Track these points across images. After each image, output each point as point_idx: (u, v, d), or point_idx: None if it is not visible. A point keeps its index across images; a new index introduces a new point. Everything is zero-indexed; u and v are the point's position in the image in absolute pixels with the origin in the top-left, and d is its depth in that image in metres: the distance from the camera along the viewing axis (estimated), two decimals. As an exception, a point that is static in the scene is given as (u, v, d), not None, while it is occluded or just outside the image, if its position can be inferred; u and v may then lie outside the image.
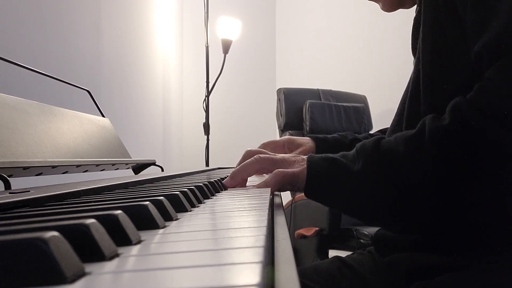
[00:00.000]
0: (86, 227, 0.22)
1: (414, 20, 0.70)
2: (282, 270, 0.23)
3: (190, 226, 0.33)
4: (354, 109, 2.53)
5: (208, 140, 2.69)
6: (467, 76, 0.56)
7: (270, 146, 0.92)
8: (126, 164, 1.01)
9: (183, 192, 0.43)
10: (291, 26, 3.48)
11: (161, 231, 0.31)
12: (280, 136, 2.51)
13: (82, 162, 0.77)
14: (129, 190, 0.57)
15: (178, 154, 3.12)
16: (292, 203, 2.03)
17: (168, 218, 0.35)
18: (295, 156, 0.64)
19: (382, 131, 0.97)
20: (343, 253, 0.89)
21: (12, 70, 0.94)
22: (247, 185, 0.68)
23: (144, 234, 0.29)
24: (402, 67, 2.45)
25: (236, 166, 0.68)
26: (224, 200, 0.50)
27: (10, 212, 0.36)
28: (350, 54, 3.11)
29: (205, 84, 2.71)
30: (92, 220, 0.23)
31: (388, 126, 0.97)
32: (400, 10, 0.79)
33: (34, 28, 1.18)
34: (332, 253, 1.90)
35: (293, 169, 0.60)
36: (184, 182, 0.66)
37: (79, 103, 1.17)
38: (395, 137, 0.57)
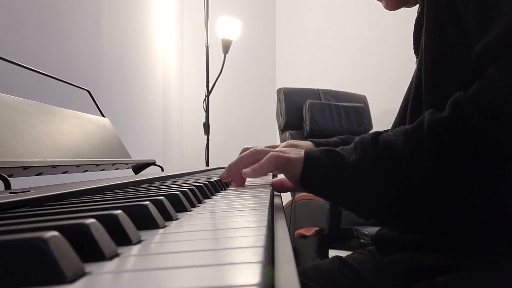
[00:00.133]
0: (86, 227, 0.22)
1: (416, 20, 0.70)
2: (282, 270, 0.23)
3: (190, 226, 0.33)
4: (354, 109, 2.53)
5: (208, 140, 2.69)
6: (468, 76, 0.56)
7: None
8: (126, 164, 1.01)
9: (183, 192, 0.43)
10: (291, 26, 3.48)
11: (161, 231, 0.31)
12: (280, 136, 2.51)
13: (82, 162, 0.77)
14: (129, 190, 0.57)
15: (178, 154, 3.12)
16: (292, 203, 2.03)
17: (168, 218, 0.35)
18: (291, 148, 0.64)
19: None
20: (343, 253, 0.89)
21: (12, 70, 0.94)
22: (246, 184, 0.68)
23: (144, 234, 0.29)
24: (402, 67, 2.45)
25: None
26: (224, 200, 0.50)
27: (10, 212, 0.36)
28: (350, 54, 3.11)
29: (205, 84, 2.71)
30: (92, 220, 0.23)
31: (388, 125, 0.97)
32: (401, 10, 0.79)
33: (34, 28, 1.18)
34: (332, 253, 1.90)
35: (289, 154, 0.61)
36: (184, 182, 0.66)
37: (79, 103, 1.17)
38: (394, 131, 0.57)
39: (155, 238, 0.28)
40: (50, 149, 0.71)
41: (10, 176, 0.55)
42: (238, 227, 0.31)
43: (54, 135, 0.76)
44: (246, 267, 0.19)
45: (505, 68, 0.51)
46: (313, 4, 3.35)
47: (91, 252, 0.22)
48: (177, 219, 0.36)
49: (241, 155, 0.66)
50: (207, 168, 1.40)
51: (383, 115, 2.77)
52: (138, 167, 1.14)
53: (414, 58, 0.75)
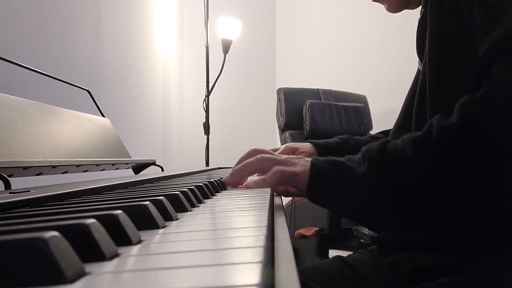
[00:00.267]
0: (86, 227, 0.22)
1: (419, 22, 0.69)
2: (282, 270, 0.23)
3: (190, 226, 0.33)
4: (354, 109, 2.53)
5: (208, 140, 2.69)
6: (473, 77, 0.56)
7: None
8: (126, 164, 1.01)
9: (183, 192, 0.43)
10: (291, 26, 3.48)
11: (161, 231, 0.31)
12: (280, 136, 2.51)
13: (82, 162, 0.77)
14: (129, 190, 0.57)
15: (178, 154, 3.12)
16: (292, 203, 2.03)
17: (168, 218, 0.35)
18: (298, 157, 0.62)
19: (384, 133, 0.97)
20: (343, 253, 0.89)
21: (12, 70, 0.94)
22: (246, 184, 0.68)
23: (144, 234, 0.29)
24: (402, 67, 2.45)
25: (237, 162, 0.67)
26: (224, 200, 0.50)
27: (10, 212, 0.36)
28: (350, 54, 3.11)
29: (205, 84, 2.72)
30: (92, 220, 0.23)
31: (388, 125, 0.97)
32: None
33: (34, 28, 1.18)
34: (332, 253, 1.90)
35: (294, 168, 0.59)
36: (184, 182, 0.66)
37: (79, 103, 1.17)
38: (402, 139, 0.56)
39: (155, 238, 0.28)
40: (50, 149, 0.71)
41: (10, 176, 0.55)
42: (238, 227, 0.31)
43: (54, 135, 0.76)
44: (246, 267, 0.19)
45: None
46: (313, 4, 3.35)
47: (91, 252, 0.22)
48: (177, 219, 0.36)
49: (246, 161, 0.64)
50: (207, 168, 1.40)
51: (383, 115, 2.77)
52: (138, 167, 1.14)
53: (415, 58, 0.75)
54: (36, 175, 0.67)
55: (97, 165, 0.84)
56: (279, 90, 2.53)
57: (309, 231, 1.88)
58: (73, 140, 0.82)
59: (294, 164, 0.61)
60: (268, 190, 0.57)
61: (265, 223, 0.30)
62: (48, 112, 0.80)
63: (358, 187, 0.55)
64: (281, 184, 0.60)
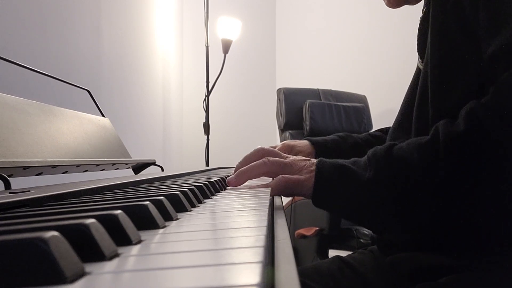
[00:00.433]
0: (86, 227, 0.22)
1: (420, 21, 0.69)
2: (282, 270, 0.23)
3: (190, 226, 0.33)
4: (354, 109, 2.53)
5: (208, 140, 2.69)
6: (476, 79, 0.55)
7: None
8: (126, 164, 1.01)
9: (183, 192, 0.43)
10: (291, 26, 3.48)
11: (161, 231, 0.31)
12: (280, 136, 2.51)
13: (82, 162, 0.77)
14: (129, 190, 0.57)
15: (178, 154, 3.12)
16: (292, 203, 2.03)
17: (168, 218, 0.35)
18: (305, 159, 0.62)
19: (382, 130, 0.97)
20: (343, 253, 0.89)
21: (12, 70, 0.94)
22: (246, 184, 0.68)
23: (144, 234, 0.29)
24: (402, 67, 2.45)
25: (242, 160, 0.67)
26: (224, 200, 0.50)
27: (10, 212, 0.36)
28: (350, 54, 3.11)
29: (205, 84, 2.72)
30: (92, 220, 0.23)
31: (388, 125, 0.97)
32: (402, 10, 0.78)
33: (34, 28, 1.18)
34: (332, 253, 1.90)
35: (299, 176, 0.58)
36: (184, 182, 0.66)
37: (79, 103, 1.17)
38: (408, 144, 0.55)
39: (155, 238, 0.28)
40: (50, 149, 0.71)
41: (10, 176, 0.55)
42: (238, 227, 0.31)
43: (54, 135, 0.76)
44: (246, 267, 0.19)
45: None
46: (313, 4, 3.35)
47: (91, 252, 0.22)
48: (177, 219, 0.36)
49: (252, 164, 0.63)
50: (207, 168, 1.40)
51: (383, 115, 2.77)
52: (138, 167, 1.14)
53: (415, 58, 0.75)
54: (36, 175, 0.67)
55: (97, 165, 0.84)
56: (279, 90, 2.53)
57: (309, 231, 1.88)
58: (73, 140, 0.82)
59: (299, 170, 0.60)
60: (268, 190, 0.57)
61: (265, 223, 0.30)
62: (48, 112, 0.80)
63: (363, 192, 0.55)
64: (285, 192, 0.59)
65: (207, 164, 2.67)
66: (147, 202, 0.33)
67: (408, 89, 0.74)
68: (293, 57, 3.46)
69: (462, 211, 0.53)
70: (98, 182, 0.61)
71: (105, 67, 1.67)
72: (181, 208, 0.40)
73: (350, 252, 0.86)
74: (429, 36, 0.62)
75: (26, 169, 0.60)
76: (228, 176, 0.66)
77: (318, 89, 2.59)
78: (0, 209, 0.36)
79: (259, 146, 0.72)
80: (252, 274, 0.18)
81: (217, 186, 0.61)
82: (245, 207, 0.41)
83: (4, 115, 0.65)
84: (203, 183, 0.54)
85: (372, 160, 0.56)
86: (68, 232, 0.22)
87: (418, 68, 0.73)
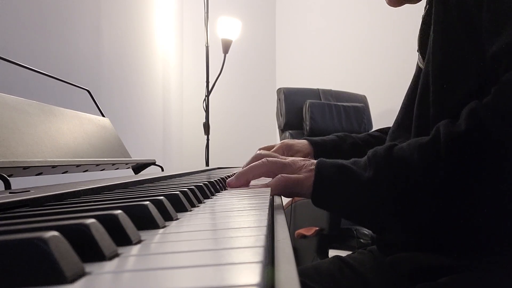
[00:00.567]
0: (86, 227, 0.22)
1: (423, 19, 0.69)
2: (282, 270, 0.23)
3: (190, 226, 0.33)
4: (354, 109, 2.53)
5: (208, 140, 2.69)
6: (479, 79, 0.55)
7: (268, 150, 0.91)
8: (126, 164, 1.01)
9: (183, 192, 0.43)
10: (291, 26, 3.48)
11: (161, 231, 0.31)
12: (280, 136, 2.51)
13: (82, 162, 0.77)
14: (129, 190, 0.57)
15: (178, 154, 3.12)
16: (292, 203, 2.03)
17: (168, 218, 0.35)
18: (304, 160, 0.62)
19: (381, 131, 0.97)
20: (343, 253, 0.89)
21: (12, 70, 0.94)
22: (250, 185, 0.68)
23: (144, 234, 0.29)
24: (402, 66, 2.45)
25: (243, 167, 0.67)
26: (224, 200, 0.50)
27: (10, 212, 0.36)
28: (350, 54, 3.11)
29: (205, 84, 2.72)
30: (92, 220, 0.23)
31: (388, 125, 0.97)
32: (402, 9, 0.78)
33: (34, 28, 1.18)
34: (332, 253, 1.90)
35: (298, 175, 0.59)
36: (184, 182, 0.66)
37: (79, 103, 1.17)
38: (408, 144, 0.55)
39: (155, 238, 0.28)
40: (50, 149, 0.71)
41: (10, 176, 0.55)
42: (238, 227, 0.31)
43: (54, 135, 0.76)
44: (246, 267, 0.19)
45: None
46: (313, 4, 3.35)
47: (91, 252, 0.22)
48: (177, 219, 0.36)
49: (252, 164, 0.63)
50: (207, 168, 1.40)
51: (383, 115, 2.77)
52: (138, 167, 1.14)
53: (415, 58, 0.75)
54: (36, 175, 0.67)
55: (97, 165, 0.84)
56: (279, 90, 2.53)
57: (309, 231, 1.88)
58: (73, 140, 0.82)
59: (299, 169, 0.60)
60: (268, 190, 0.57)
61: (265, 223, 0.30)
62: (48, 112, 0.80)
63: (363, 192, 0.55)
64: (285, 192, 0.59)
65: (207, 164, 2.67)
66: (147, 202, 0.33)
67: (408, 88, 0.74)
68: (293, 57, 3.46)
69: (462, 211, 0.53)
70: (98, 182, 0.61)
71: (105, 67, 1.67)
72: (181, 208, 0.40)
73: (350, 252, 0.86)
74: (431, 35, 0.62)
75: (26, 169, 0.60)
76: (228, 176, 0.66)
77: (318, 89, 2.59)
78: (0, 209, 0.36)
79: (257, 152, 0.72)
80: (252, 274, 0.18)
81: (217, 186, 0.61)
82: (245, 207, 0.41)
83: (4, 115, 0.65)
84: (203, 183, 0.54)
85: (372, 160, 0.56)
86: (68, 232, 0.22)
87: (418, 67, 0.73)
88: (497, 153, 0.49)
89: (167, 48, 2.77)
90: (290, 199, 2.06)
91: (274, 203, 0.53)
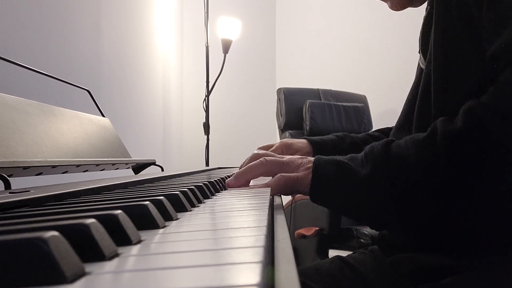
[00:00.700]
0: (86, 227, 0.22)
1: (424, 20, 0.69)
2: (282, 270, 0.23)
3: (190, 226, 0.33)
4: (354, 109, 2.53)
5: (208, 140, 2.69)
6: (479, 79, 0.55)
7: (267, 149, 0.91)
8: (126, 164, 1.01)
9: (183, 192, 0.43)
10: (291, 26, 3.48)
11: (161, 231, 0.31)
12: (280, 136, 2.51)
13: (82, 162, 0.77)
14: (129, 190, 0.57)
15: (178, 154, 3.12)
16: (292, 203, 2.03)
17: (168, 218, 0.35)
18: (302, 157, 0.62)
19: (380, 131, 0.97)
20: (343, 253, 0.89)
21: (12, 70, 0.94)
22: (249, 185, 0.68)
23: (144, 234, 0.29)
24: (402, 67, 2.45)
25: (240, 167, 0.68)
26: (224, 200, 0.50)
27: (10, 212, 0.36)
28: (350, 54, 3.11)
29: (205, 84, 2.72)
30: (92, 220, 0.23)
31: (388, 125, 0.97)
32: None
33: (34, 28, 1.18)
34: (332, 253, 1.90)
35: (297, 174, 0.59)
36: (184, 182, 0.66)
37: (79, 103, 1.17)
38: (405, 141, 0.55)
39: (155, 238, 0.28)
40: (50, 149, 0.71)
41: (10, 176, 0.55)
42: (238, 227, 0.31)
43: (54, 135, 0.76)
44: (246, 267, 0.19)
45: None
46: (313, 4, 3.35)
47: (91, 252, 0.22)
48: (177, 219, 0.36)
49: (250, 164, 0.64)
50: (207, 168, 1.40)
51: (383, 115, 2.77)
52: (138, 167, 1.14)
53: (415, 58, 0.75)
54: (36, 175, 0.67)
55: (97, 165, 0.84)
56: (279, 90, 2.53)
57: (309, 231, 1.88)
58: (73, 140, 0.82)
59: (297, 167, 0.61)
60: (268, 190, 0.57)
61: (265, 223, 0.30)
62: (48, 112, 0.80)
63: (360, 188, 0.55)
64: (284, 190, 0.60)
65: (207, 164, 2.67)
66: (147, 202, 0.33)
67: (410, 89, 0.74)
68: (293, 57, 3.46)
69: (461, 210, 0.53)
70: (98, 182, 0.61)
71: (105, 67, 1.67)
72: (181, 208, 0.40)
73: (350, 252, 0.86)
74: (431, 35, 0.62)
75: (26, 169, 0.60)
76: (228, 176, 0.66)
77: (318, 89, 2.59)
78: (0, 209, 0.36)
79: (254, 152, 0.72)
80: (252, 274, 0.18)
81: (217, 186, 0.61)
82: (245, 207, 0.41)
83: (4, 115, 0.65)
84: (203, 183, 0.54)
85: (369, 156, 0.56)
86: (68, 232, 0.22)
87: (420, 67, 0.73)
88: (496, 152, 0.49)
89: (167, 48, 2.77)
90: (290, 199, 2.06)
91: (274, 203, 0.53)
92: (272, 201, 0.52)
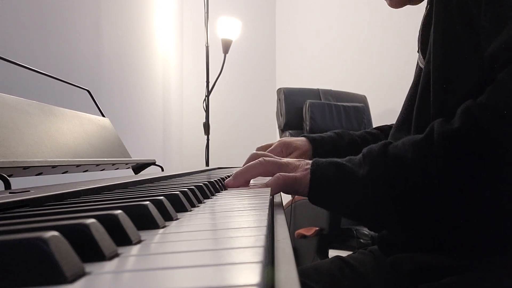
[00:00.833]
0: (86, 227, 0.22)
1: (423, 19, 0.69)
2: (282, 270, 0.23)
3: (190, 226, 0.33)
4: (354, 109, 2.53)
5: (208, 140, 2.69)
6: (479, 79, 0.55)
7: (265, 149, 0.92)
8: (126, 164, 1.01)
9: (183, 192, 0.43)
10: (291, 26, 3.48)
11: (161, 231, 0.31)
12: (280, 136, 2.51)
13: (82, 162, 0.77)
14: (129, 190, 0.57)
15: (178, 154, 3.12)
16: (292, 203, 2.03)
17: (168, 218, 0.35)
18: (299, 160, 0.63)
19: (379, 128, 0.97)
20: (343, 253, 0.89)
21: (12, 70, 0.94)
22: (249, 185, 0.68)
23: (144, 234, 0.29)
24: (402, 67, 2.45)
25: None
26: (224, 200, 0.50)
27: (10, 212, 0.36)
28: (350, 54, 3.11)
29: (205, 84, 2.71)
30: (92, 220, 0.23)
31: (388, 124, 0.97)
32: (402, 10, 0.78)
33: (34, 28, 1.18)
34: (332, 253, 1.90)
35: (295, 174, 0.59)
36: (184, 182, 0.66)
37: (79, 103, 1.17)
38: (403, 142, 0.55)
39: (155, 238, 0.28)
40: (50, 149, 0.71)
41: (10, 176, 0.55)
42: (238, 227, 0.31)
43: (54, 135, 0.76)
44: (246, 267, 0.19)
45: None
46: (313, 4, 3.35)
47: (91, 252, 0.22)
48: (177, 219, 0.36)
49: (249, 164, 0.64)
50: (207, 168, 1.40)
51: (383, 115, 2.77)
52: (138, 167, 1.14)
53: (415, 58, 0.74)
54: (36, 175, 0.67)
55: (97, 165, 0.84)
56: (279, 90, 2.53)
57: (309, 231, 1.88)
58: (73, 140, 0.82)
59: (295, 168, 0.61)
60: (268, 190, 0.57)
61: (265, 223, 0.30)
62: (48, 112, 0.80)
63: (359, 190, 0.55)
64: (283, 190, 0.60)
65: (207, 164, 2.67)
66: (147, 202, 0.33)
67: (409, 89, 0.74)
68: (293, 57, 3.46)
69: (460, 210, 0.53)
70: (98, 182, 0.61)
71: (105, 67, 1.67)
72: (181, 208, 0.40)
73: (350, 252, 0.86)
74: (431, 35, 0.62)
75: (26, 169, 0.60)
76: (228, 176, 0.66)
77: (318, 89, 2.59)
78: (0, 209, 0.36)
79: (253, 152, 0.73)
80: (252, 274, 0.18)
81: (217, 186, 0.61)
82: (245, 207, 0.41)
83: (4, 115, 0.65)
84: (203, 183, 0.54)
85: (367, 157, 0.56)
86: (68, 232, 0.22)
87: (419, 67, 0.73)
88: (494, 152, 0.49)
89: (167, 48, 2.77)
90: (290, 199, 2.07)
91: (274, 203, 0.53)
92: (272, 201, 0.52)
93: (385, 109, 2.77)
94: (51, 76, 0.94)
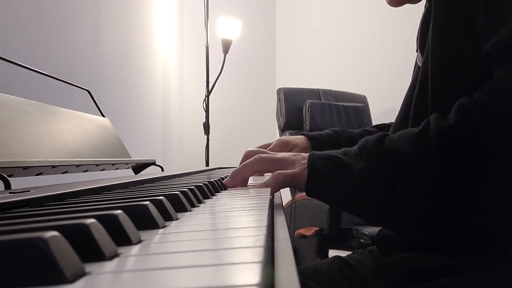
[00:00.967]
0: (86, 227, 0.22)
1: (422, 16, 0.69)
2: (282, 270, 0.23)
3: (190, 226, 0.33)
4: (354, 109, 2.53)
5: (208, 140, 2.69)
6: (477, 77, 0.55)
7: (265, 148, 0.92)
8: (126, 164, 1.01)
9: (183, 192, 0.43)
10: (291, 26, 3.48)
11: (161, 231, 0.31)
12: (280, 136, 2.51)
13: (82, 162, 0.77)
14: (129, 190, 0.57)
15: (178, 154, 3.12)
16: (292, 203, 2.03)
17: (168, 218, 0.35)
18: (295, 154, 0.63)
19: (377, 127, 0.97)
20: (343, 253, 0.89)
21: (12, 70, 0.94)
22: (248, 184, 0.68)
23: (144, 234, 0.29)
24: (402, 66, 2.44)
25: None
26: (224, 200, 0.50)
27: (10, 212, 0.36)
28: (350, 54, 3.11)
29: (205, 84, 2.71)
30: (92, 220, 0.23)
31: (386, 123, 0.97)
32: (402, 9, 0.78)
33: (34, 28, 1.18)
34: (332, 253, 1.90)
35: (293, 170, 0.60)
36: (184, 182, 0.66)
37: (79, 103, 1.17)
38: (398, 135, 0.56)
39: (155, 238, 0.28)
40: (50, 149, 0.71)
41: (10, 176, 0.55)
42: (238, 227, 0.31)
43: (54, 135, 0.76)
44: (246, 267, 0.19)
45: None
46: (313, 4, 3.35)
47: (91, 252, 0.22)
48: (177, 219, 0.36)
49: (245, 162, 0.64)
50: (207, 168, 1.40)
51: (383, 115, 2.76)
52: (138, 167, 1.14)
53: (415, 57, 0.74)
54: (36, 175, 0.67)
55: (97, 165, 0.84)
56: (279, 90, 2.53)
57: (309, 231, 1.88)
58: (73, 140, 0.82)
59: (292, 164, 0.61)
60: (268, 190, 0.57)
61: (265, 223, 0.30)
62: (48, 112, 0.80)
63: (355, 183, 0.55)
64: (282, 187, 0.60)
65: (207, 164, 2.67)
66: (147, 202, 0.33)
67: (408, 88, 0.74)
68: (293, 57, 3.46)
69: (458, 207, 0.53)
70: (98, 182, 0.61)
71: (105, 67, 1.67)
72: (181, 208, 0.40)
73: (350, 252, 0.86)
74: (430, 32, 0.62)
75: (26, 169, 0.60)
76: (228, 176, 0.66)
77: (318, 89, 2.59)
78: (0, 209, 0.36)
79: (248, 149, 0.73)
80: (252, 274, 0.18)
81: (217, 186, 0.61)
82: (245, 207, 0.41)
83: (4, 115, 0.65)
84: (203, 183, 0.54)
85: (362, 150, 0.57)
86: (68, 232, 0.22)
87: (417, 65, 0.73)
88: (489, 150, 0.49)
89: (167, 48, 2.77)
90: (290, 199, 2.06)
91: (274, 203, 0.53)
92: (272, 201, 0.52)
93: (385, 109, 2.77)
94: (51, 76, 0.94)
